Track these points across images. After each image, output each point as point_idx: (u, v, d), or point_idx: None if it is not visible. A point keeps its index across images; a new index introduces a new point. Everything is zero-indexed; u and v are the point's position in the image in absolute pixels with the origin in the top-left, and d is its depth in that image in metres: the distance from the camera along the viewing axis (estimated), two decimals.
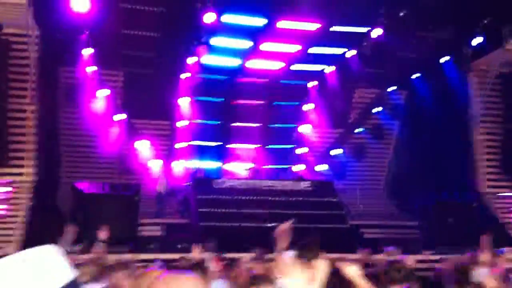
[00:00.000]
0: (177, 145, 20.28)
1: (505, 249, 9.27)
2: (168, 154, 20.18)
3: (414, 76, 20.57)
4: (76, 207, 14.30)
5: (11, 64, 15.88)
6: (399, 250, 10.19)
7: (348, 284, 6.32)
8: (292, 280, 4.78)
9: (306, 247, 4.75)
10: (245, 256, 9.47)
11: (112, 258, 10.00)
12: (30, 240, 13.05)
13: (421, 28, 18.07)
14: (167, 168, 19.31)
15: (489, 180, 17.95)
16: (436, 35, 18.81)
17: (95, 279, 4.63)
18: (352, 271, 4.71)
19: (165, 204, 17.69)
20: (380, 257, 10.12)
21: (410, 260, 8.85)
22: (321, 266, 4.54)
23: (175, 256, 10.78)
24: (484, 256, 9.46)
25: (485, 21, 17.37)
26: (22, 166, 15.11)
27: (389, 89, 21.47)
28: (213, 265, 8.25)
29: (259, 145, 21.67)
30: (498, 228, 16.00)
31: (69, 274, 1.83)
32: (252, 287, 5.92)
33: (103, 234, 9.27)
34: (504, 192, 17.78)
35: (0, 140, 15.05)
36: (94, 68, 18.58)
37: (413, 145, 19.53)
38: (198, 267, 7.25)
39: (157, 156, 19.92)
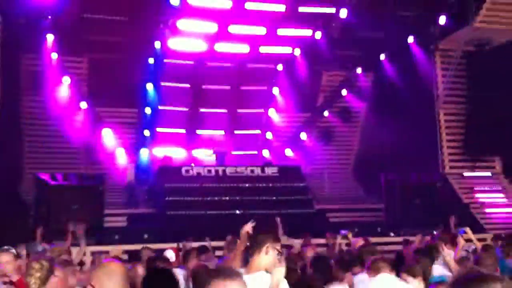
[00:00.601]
0: (144, 133, 20.03)
1: (466, 229, 9.38)
2: (135, 142, 19.94)
3: (381, 57, 20.56)
4: (40, 198, 14.09)
5: None
6: (353, 232, 10.30)
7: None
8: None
9: (259, 233, 4.74)
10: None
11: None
12: None
13: (387, 8, 18.02)
14: (134, 157, 19.09)
15: (452, 160, 18.15)
16: (402, 14, 18.79)
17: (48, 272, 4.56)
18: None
19: (134, 194, 17.57)
20: (338, 240, 10.27)
21: (359, 243, 9.00)
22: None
23: (140, 246, 10.68)
24: (450, 236, 9.65)
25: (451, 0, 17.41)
26: None
27: (357, 71, 21.45)
28: (171, 255, 8.27)
29: (226, 131, 21.55)
30: (461, 209, 16.24)
31: None
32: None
33: (81, 228, 9.25)
34: (467, 172, 18.02)
35: None
36: (57, 55, 18.21)
37: (380, 127, 19.59)
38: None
39: (123, 145, 19.68)
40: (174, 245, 11.35)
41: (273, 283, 4.13)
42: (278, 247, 4.61)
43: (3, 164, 14.99)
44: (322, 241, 12.65)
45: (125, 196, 17.41)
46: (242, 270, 4.80)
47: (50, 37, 18.00)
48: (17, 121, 17.97)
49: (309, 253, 8.70)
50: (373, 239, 11.82)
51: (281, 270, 4.29)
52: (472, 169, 18.07)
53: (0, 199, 14.09)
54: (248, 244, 4.92)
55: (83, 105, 19.01)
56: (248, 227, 5.47)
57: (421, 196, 15.64)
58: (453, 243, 9.00)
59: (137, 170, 18.31)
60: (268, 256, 4.50)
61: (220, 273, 2.59)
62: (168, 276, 4.10)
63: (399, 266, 6.29)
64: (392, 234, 14.31)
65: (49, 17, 16.93)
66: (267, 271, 4.49)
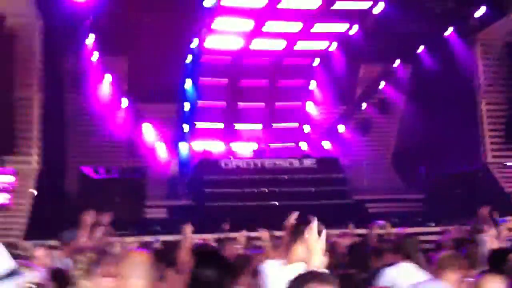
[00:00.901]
0: (183, 128, 20.35)
1: (508, 218, 9.24)
2: (174, 137, 20.27)
3: (419, 50, 20.38)
4: (84, 192, 14.47)
5: (15, 54, 16.02)
6: (389, 223, 10.18)
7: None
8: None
9: (300, 224, 4.79)
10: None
11: (116, 241, 10.19)
12: (37, 226, 13.24)
13: (424, 0, 17.87)
14: (174, 151, 19.41)
15: (494, 150, 17.83)
16: (440, 6, 18.59)
17: (94, 264, 4.68)
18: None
19: (177, 186, 17.84)
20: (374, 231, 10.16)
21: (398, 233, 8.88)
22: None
23: (179, 237, 10.80)
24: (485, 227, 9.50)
25: None
26: (28, 154, 15.31)
27: (394, 64, 21.32)
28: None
29: (264, 125, 21.67)
30: (504, 198, 15.93)
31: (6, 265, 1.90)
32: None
33: (105, 219, 9.33)
34: (509, 161, 17.66)
35: (7, 128, 15.24)
36: (98, 54, 18.67)
37: (418, 119, 19.40)
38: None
39: (163, 139, 20.03)
40: (213, 236, 11.43)
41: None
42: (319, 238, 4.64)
43: (49, 159, 15.47)
44: (361, 231, 12.59)
45: (167, 189, 17.68)
46: (282, 261, 4.88)
47: (91, 37, 18.46)
48: (61, 119, 18.48)
49: (346, 242, 8.65)
50: (413, 229, 11.75)
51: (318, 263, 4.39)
52: None
53: (45, 192, 14.57)
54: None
55: (124, 101, 19.43)
56: (292, 219, 5.50)
57: (462, 186, 15.42)
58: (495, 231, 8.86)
59: (178, 164, 18.55)
60: (307, 247, 4.57)
61: (317, 277, 2.55)
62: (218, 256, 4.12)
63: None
64: (432, 224, 14.13)
65: (89, 18, 17.35)
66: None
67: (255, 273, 5.73)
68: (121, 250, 9.81)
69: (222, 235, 10.76)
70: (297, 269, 4.31)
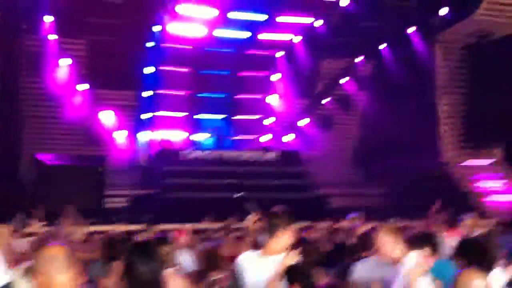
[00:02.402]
0: (143, 116, 19.95)
1: (465, 216, 9.41)
2: (134, 125, 19.85)
3: (381, 46, 20.58)
4: (39, 179, 14.00)
5: None
6: (361, 216, 10.25)
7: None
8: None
9: (273, 217, 4.77)
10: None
11: (77, 230, 9.92)
12: None
13: None
14: (133, 139, 18.98)
15: (451, 149, 18.21)
16: (404, 4, 18.82)
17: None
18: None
19: (137, 176, 17.49)
20: (344, 224, 10.20)
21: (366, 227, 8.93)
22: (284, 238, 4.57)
23: (139, 227, 10.70)
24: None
25: None
26: None
27: (357, 59, 21.47)
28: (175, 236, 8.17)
29: (225, 116, 21.47)
30: (460, 197, 16.31)
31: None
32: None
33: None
34: (465, 161, 18.09)
35: None
36: (56, 36, 18.09)
37: (379, 115, 19.63)
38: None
39: (122, 127, 19.57)
40: (174, 226, 11.29)
41: (282, 267, 4.22)
42: (291, 229, 4.65)
43: (2, 144, 14.90)
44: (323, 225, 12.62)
45: (126, 178, 17.31)
46: (258, 252, 4.83)
47: (49, 19, 17.87)
48: (16, 102, 17.82)
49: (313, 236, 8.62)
50: (373, 224, 11.81)
51: (292, 257, 4.37)
52: (471, 157, 18.14)
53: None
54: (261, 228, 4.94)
55: (82, 86, 18.87)
56: (252, 221, 5.46)
57: (421, 183, 15.66)
58: (452, 228, 9.02)
59: (148, 152, 18.11)
60: (282, 239, 4.54)
61: None
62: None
63: None
64: (391, 219, 14.29)
65: None
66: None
67: (230, 265, 5.67)
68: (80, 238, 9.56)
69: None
70: (276, 261, 4.30)
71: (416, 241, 6.58)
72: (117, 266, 5.05)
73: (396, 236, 4.94)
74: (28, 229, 9.30)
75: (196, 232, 10.25)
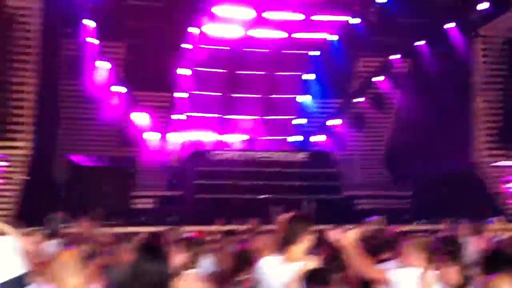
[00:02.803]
0: (174, 117, 20.24)
1: (495, 219, 9.21)
2: (167, 126, 20.18)
3: (419, 43, 20.16)
4: (72, 179, 14.48)
5: (14, 36, 15.95)
6: (384, 220, 10.10)
7: (338, 255, 6.33)
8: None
9: (295, 222, 4.82)
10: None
11: (104, 231, 10.26)
12: (25, 214, 13.26)
13: None
14: (166, 140, 19.29)
15: (485, 149, 17.61)
16: (442, 0, 18.38)
17: (90, 256, 4.69)
18: (349, 237, 4.79)
19: (168, 176, 17.77)
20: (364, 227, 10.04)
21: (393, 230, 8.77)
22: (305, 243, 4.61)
23: (165, 229, 10.87)
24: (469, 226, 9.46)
25: None
26: (19, 140, 15.26)
27: (393, 57, 21.09)
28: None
29: (257, 116, 21.53)
30: (489, 199, 15.80)
31: (18, 269, 1.85)
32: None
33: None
34: (501, 162, 17.44)
35: (0, 112, 15.19)
36: (95, 40, 18.60)
37: (414, 115, 19.20)
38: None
39: (157, 128, 19.92)
40: (201, 228, 11.47)
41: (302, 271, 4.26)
42: (312, 234, 4.69)
43: (40, 145, 15.45)
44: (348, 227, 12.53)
45: (158, 179, 17.64)
46: (280, 258, 4.88)
47: (89, 23, 18.39)
48: (55, 104, 18.42)
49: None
50: (400, 227, 11.67)
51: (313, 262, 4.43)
52: (504, 158, 17.49)
53: (35, 179, 14.58)
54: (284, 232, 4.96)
55: (120, 89, 19.35)
56: (285, 217, 5.49)
57: (450, 185, 15.28)
58: (479, 233, 8.82)
59: (179, 154, 18.38)
60: (303, 245, 4.58)
61: None
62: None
63: None
64: (416, 222, 14.06)
65: (89, 3, 17.25)
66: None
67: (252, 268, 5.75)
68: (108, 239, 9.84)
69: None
70: (297, 267, 4.36)
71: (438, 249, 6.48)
72: None
73: (421, 250, 4.97)
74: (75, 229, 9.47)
75: (226, 233, 10.34)
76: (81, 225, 9.10)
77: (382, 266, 5.92)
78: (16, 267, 1.88)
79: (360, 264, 4.84)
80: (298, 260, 4.48)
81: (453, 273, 5.25)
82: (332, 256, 6.36)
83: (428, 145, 17.93)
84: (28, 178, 14.60)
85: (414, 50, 20.24)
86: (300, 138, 21.31)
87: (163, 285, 3.66)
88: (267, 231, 9.94)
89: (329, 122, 21.59)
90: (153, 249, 3.99)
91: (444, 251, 6.12)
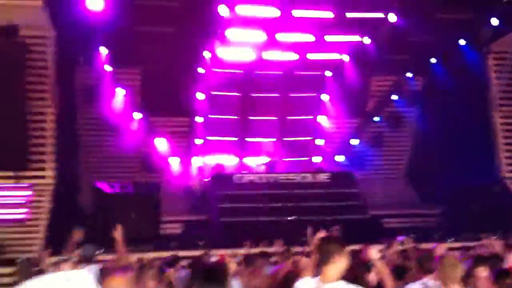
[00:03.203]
0: (196, 141, 20.32)
1: None
2: (187, 151, 20.22)
3: (431, 61, 20.31)
4: (98, 207, 14.44)
5: (28, 66, 16.00)
6: (411, 239, 10.09)
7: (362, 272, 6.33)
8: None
9: (326, 242, 4.84)
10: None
11: (135, 257, 10.22)
12: (52, 243, 13.20)
13: (437, 10, 17.82)
14: (187, 165, 19.32)
15: (510, 164, 17.68)
16: (453, 17, 18.53)
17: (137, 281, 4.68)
18: (374, 253, 5.16)
19: (192, 201, 17.74)
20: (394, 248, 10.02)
21: (440, 249, 8.65)
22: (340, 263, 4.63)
23: (196, 253, 10.90)
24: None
25: (504, 0, 17.04)
26: (43, 169, 15.24)
27: (407, 75, 21.23)
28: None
29: (276, 139, 21.57)
30: None
31: None
32: None
33: (117, 233, 9.04)
34: None
35: (21, 143, 15.17)
36: (111, 67, 18.69)
37: (432, 132, 19.29)
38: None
39: (176, 153, 19.95)
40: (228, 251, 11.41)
41: None
42: (345, 254, 4.70)
43: (64, 173, 15.45)
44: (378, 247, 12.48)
45: (181, 204, 17.62)
46: (317, 279, 4.89)
47: (103, 50, 18.49)
48: (74, 132, 18.46)
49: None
50: (430, 245, 11.64)
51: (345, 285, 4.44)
52: None
53: (61, 207, 14.54)
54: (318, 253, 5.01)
55: (137, 115, 19.40)
56: (320, 236, 5.51)
57: (478, 200, 15.29)
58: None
59: (199, 179, 18.36)
60: (337, 265, 4.60)
61: None
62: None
63: None
64: (449, 240, 14.03)
65: (103, 29, 17.33)
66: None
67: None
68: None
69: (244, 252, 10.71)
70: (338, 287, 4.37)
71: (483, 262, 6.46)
72: None
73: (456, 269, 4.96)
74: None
75: (258, 255, 10.27)
76: (120, 252, 9.00)
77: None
78: None
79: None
80: (333, 281, 4.52)
81: None
82: (355, 276, 6.38)
83: (448, 161, 17.97)
84: (52, 206, 14.57)
85: (427, 68, 20.37)
86: (319, 159, 21.31)
87: None
88: (299, 253, 9.97)
89: (348, 142, 21.64)
90: (209, 272, 4.03)
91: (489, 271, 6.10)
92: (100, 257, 10.31)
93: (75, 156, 18.11)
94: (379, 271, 5.19)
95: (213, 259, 8.17)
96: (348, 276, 6.61)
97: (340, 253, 4.62)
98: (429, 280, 5.95)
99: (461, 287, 4.82)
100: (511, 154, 17.82)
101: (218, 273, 4.04)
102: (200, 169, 19.67)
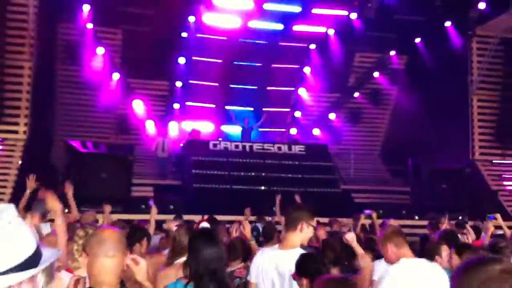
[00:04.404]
0: (174, 106, 20.21)
1: (495, 215, 9.36)
2: (164, 115, 20.12)
3: (416, 40, 20.28)
4: (69, 165, 14.32)
5: (9, 19, 15.81)
6: (377, 213, 10.23)
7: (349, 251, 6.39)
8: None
9: (295, 210, 4.86)
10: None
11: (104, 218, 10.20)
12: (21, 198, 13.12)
13: None
14: (163, 129, 19.23)
15: (482, 147, 17.91)
16: None
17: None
18: (350, 237, 5.23)
19: (164, 165, 17.72)
20: (361, 220, 10.18)
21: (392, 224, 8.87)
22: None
23: (167, 217, 10.93)
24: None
25: None
26: (16, 124, 15.15)
27: (391, 53, 21.20)
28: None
29: (254, 108, 21.50)
30: (490, 195, 16.05)
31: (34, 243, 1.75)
32: None
33: (67, 189, 8.90)
34: (497, 160, 17.75)
35: None
36: (92, 25, 18.44)
37: (410, 111, 19.38)
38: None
39: (153, 116, 19.85)
40: (199, 217, 11.47)
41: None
42: (313, 224, 4.72)
43: (36, 129, 15.33)
44: (346, 221, 12.62)
45: (154, 167, 17.60)
46: (276, 246, 4.93)
47: (86, 8, 18.24)
48: (51, 89, 18.27)
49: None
50: (398, 222, 11.78)
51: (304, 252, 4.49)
52: (503, 156, 17.80)
53: (31, 163, 14.44)
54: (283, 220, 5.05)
55: (116, 75, 19.22)
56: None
57: (449, 181, 15.44)
58: (475, 231, 8.97)
59: (168, 142, 18.32)
60: (302, 233, 4.62)
61: None
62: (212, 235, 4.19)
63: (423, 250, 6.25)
64: (417, 217, 14.21)
65: None
66: (302, 247, 4.66)
67: (249, 257, 5.80)
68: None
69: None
70: (294, 254, 4.40)
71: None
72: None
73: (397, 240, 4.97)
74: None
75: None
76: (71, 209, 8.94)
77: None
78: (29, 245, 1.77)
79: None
80: (294, 248, 4.57)
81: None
82: (322, 249, 6.45)
83: (424, 142, 18.11)
84: (23, 161, 14.48)
85: (411, 47, 20.35)
86: (295, 130, 21.32)
87: (219, 268, 3.79)
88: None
89: (325, 116, 21.62)
90: (209, 234, 4.09)
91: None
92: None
93: (50, 112, 17.95)
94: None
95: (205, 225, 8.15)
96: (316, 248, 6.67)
97: (308, 222, 4.65)
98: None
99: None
100: (484, 137, 18.03)
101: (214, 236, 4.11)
102: (175, 133, 19.57)
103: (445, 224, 10.09)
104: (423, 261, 4.85)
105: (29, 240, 1.73)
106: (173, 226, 6.86)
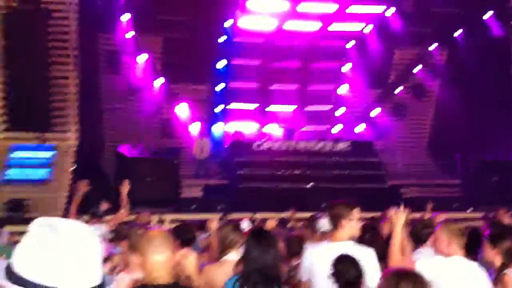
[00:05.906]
0: (216, 109, 20.42)
1: None
2: (207, 118, 20.33)
3: (456, 33, 20.03)
4: (119, 170, 14.62)
5: (51, 32, 16.18)
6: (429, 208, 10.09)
7: (382, 240, 6.36)
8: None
9: (335, 207, 4.86)
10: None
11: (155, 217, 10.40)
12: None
13: None
14: (206, 132, 19.46)
15: None
16: None
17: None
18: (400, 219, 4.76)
19: (207, 167, 17.91)
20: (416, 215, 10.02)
21: (440, 218, 8.72)
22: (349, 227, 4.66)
23: (215, 216, 11.01)
24: None
25: None
26: (66, 131, 15.53)
27: (430, 48, 20.96)
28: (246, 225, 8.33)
29: (297, 107, 21.54)
30: None
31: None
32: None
33: (124, 188, 9.06)
34: None
35: (44, 106, 15.46)
36: (133, 33, 18.77)
37: (455, 104, 19.09)
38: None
39: (196, 120, 20.07)
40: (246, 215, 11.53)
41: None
42: (353, 217, 4.69)
43: (86, 136, 15.70)
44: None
45: (198, 169, 17.78)
46: (325, 242, 4.95)
47: (125, 17, 18.57)
48: (96, 98, 18.65)
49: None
50: (449, 215, 11.62)
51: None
52: None
53: (82, 169, 14.77)
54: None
55: (158, 81, 19.52)
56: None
57: (498, 174, 15.19)
58: None
59: (210, 144, 18.52)
60: (345, 230, 4.65)
61: None
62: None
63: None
64: (469, 210, 14.00)
65: None
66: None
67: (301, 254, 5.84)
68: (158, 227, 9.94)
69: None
70: (344, 247, 4.42)
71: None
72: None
73: (452, 236, 4.75)
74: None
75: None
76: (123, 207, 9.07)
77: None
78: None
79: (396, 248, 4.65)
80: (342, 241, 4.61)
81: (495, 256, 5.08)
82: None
83: (470, 134, 17.83)
84: (75, 167, 14.83)
85: (452, 40, 20.10)
86: (339, 128, 21.24)
87: (273, 268, 3.90)
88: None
89: (368, 112, 21.53)
90: (262, 235, 4.16)
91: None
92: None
93: (97, 120, 18.33)
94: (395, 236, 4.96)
95: (246, 224, 8.21)
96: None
97: (347, 218, 4.66)
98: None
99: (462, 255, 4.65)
100: None
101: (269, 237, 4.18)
102: (219, 136, 19.75)
103: (506, 218, 9.75)
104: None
105: (98, 270, 1.67)
106: (213, 225, 6.95)
